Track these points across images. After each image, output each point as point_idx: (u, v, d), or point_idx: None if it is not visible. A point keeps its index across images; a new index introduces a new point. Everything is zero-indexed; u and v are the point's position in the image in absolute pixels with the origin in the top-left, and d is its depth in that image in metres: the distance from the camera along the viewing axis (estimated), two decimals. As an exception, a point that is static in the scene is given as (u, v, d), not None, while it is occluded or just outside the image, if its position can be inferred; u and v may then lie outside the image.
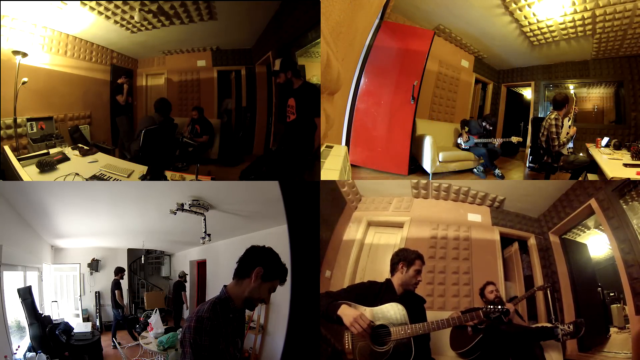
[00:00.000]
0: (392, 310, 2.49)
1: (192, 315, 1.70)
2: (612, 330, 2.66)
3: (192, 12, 3.69)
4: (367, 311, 2.48)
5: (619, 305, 2.65)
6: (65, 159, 3.38)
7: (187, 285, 6.17)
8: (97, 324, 5.52)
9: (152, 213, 4.06)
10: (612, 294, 2.70)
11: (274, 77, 3.56)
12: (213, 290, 5.78)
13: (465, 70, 5.66)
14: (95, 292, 5.67)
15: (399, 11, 5.07)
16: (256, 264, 1.78)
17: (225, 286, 1.82)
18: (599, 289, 2.78)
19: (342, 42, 3.69)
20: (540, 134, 4.57)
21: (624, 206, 2.71)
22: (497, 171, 5.23)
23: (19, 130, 3.39)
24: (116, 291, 5.42)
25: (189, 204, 3.61)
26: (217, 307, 1.73)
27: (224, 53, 4.17)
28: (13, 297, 3.73)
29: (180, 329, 4.63)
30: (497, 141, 5.22)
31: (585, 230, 3.08)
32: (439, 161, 5.07)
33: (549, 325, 2.72)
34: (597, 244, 2.98)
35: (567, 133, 4.49)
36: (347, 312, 2.42)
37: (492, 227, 3.43)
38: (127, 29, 3.74)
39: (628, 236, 2.62)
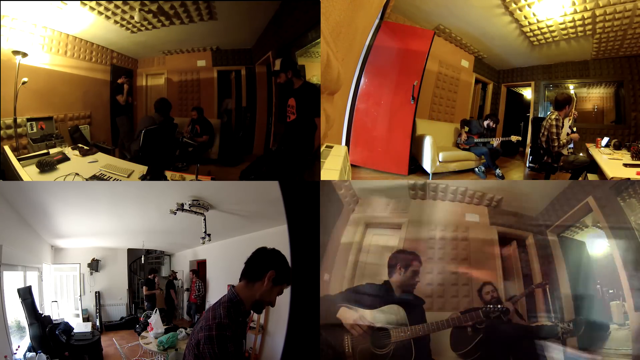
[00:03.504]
0: (391, 312, 2.50)
1: (208, 323, 1.63)
2: (612, 327, 2.66)
3: (192, 12, 3.69)
4: (367, 313, 2.49)
5: (618, 302, 2.65)
6: (65, 159, 3.39)
7: (180, 283, 6.21)
8: (97, 324, 5.53)
9: (152, 213, 4.06)
10: (611, 291, 2.70)
11: (274, 77, 3.56)
12: (213, 290, 5.79)
13: (465, 70, 5.66)
14: (95, 292, 5.68)
15: (399, 11, 5.07)
16: (269, 267, 1.76)
17: (233, 287, 1.78)
18: (598, 286, 2.78)
19: (342, 42, 3.69)
20: (541, 134, 4.57)
21: (622, 203, 2.73)
22: (497, 171, 5.23)
23: (19, 130, 3.39)
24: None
25: (189, 204, 3.62)
26: (231, 311, 1.69)
27: (224, 53, 4.17)
28: (13, 297, 3.73)
29: (180, 329, 4.63)
30: (496, 141, 5.22)
31: (583, 228, 3.08)
32: (439, 161, 5.07)
33: (549, 323, 2.73)
34: (595, 241, 2.98)
35: (568, 134, 4.49)
36: (347, 315, 2.43)
37: (490, 226, 3.43)
38: (127, 29, 3.74)
39: (626, 233, 2.63)
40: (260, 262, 1.79)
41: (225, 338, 1.59)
